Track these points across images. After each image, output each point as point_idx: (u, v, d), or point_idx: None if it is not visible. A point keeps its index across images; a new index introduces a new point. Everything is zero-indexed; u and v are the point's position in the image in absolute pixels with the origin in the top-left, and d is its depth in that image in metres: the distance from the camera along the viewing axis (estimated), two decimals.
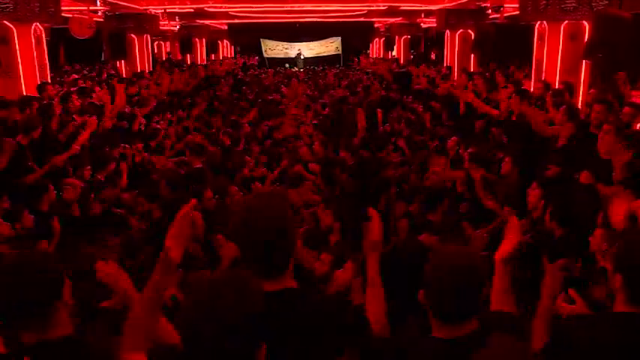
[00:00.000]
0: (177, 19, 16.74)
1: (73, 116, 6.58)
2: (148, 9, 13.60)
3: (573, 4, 7.59)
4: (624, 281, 1.86)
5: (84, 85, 9.66)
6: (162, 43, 20.66)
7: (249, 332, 1.39)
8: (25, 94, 7.43)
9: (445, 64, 14.30)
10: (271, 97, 13.69)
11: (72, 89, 8.85)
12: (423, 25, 18.24)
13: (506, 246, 2.04)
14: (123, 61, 13.71)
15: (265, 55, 29.67)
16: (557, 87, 7.57)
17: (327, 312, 1.78)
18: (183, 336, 1.43)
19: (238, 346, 1.37)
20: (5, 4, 6.99)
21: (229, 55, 25.87)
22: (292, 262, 1.80)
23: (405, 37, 19.95)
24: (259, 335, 1.42)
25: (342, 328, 1.76)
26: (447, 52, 14.52)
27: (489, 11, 11.71)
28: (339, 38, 29.20)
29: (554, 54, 8.21)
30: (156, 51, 19.06)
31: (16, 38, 7.48)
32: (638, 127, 5.41)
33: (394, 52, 21.36)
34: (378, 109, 9.09)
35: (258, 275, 1.73)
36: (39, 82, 7.70)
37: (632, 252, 1.87)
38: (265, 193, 2.00)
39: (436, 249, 1.90)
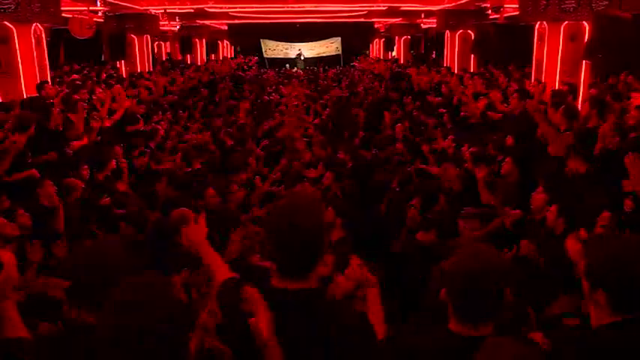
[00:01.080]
0: (177, 20, 16.74)
1: (68, 115, 6.56)
2: (148, 9, 13.61)
3: (573, 5, 7.60)
4: (608, 296, 1.75)
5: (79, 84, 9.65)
6: (162, 43, 20.67)
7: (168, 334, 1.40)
8: (25, 94, 7.43)
9: (445, 65, 14.31)
10: (270, 98, 13.69)
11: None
12: (423, 26, 18.23)
13: None
14: (123, 62, 13.72)
15: (265, 56, 29.66)
16: (557, 87, 7.58)
17: (339, 317, 1.79)
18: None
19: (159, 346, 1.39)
20: (6, 4, 7.00)
21: (229, 56, 25.90)
22: (318, 267, 1.81)
23: (405, 37, 19.98)
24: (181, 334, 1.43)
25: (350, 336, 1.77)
26: (446, 52, 14.53)
27: (489, 12, 11.71)
28: (339, 38, 29.21)
29: (554, 54, 8.22)
30: (156, 51, 19.06)
31: (16, 38, 7.49)
32: None
33: (394, 53, 21.38)
34: (386, 112, 9.08)
35: (282, 272, 1.77)
36: (37, 82, 7.70)
37: (609, 263, 1.75)
38: (305, 195, 2.03)
39: (464, 247, 1.88)
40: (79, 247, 2.01)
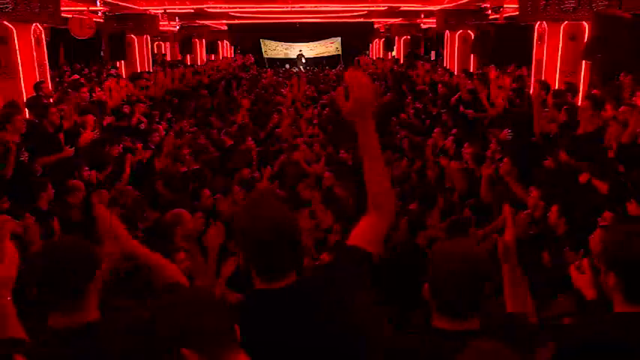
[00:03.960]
0: (177, 20, 16.74)
1: (72, 115, 6.57)
2: (147, 9, 13.61)
3: (573, 5, 7.59)
4: (618, 280, 1.80)
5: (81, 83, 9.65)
6: (162, 43, 20.67)
7: None
8: (25, 94, 7.42)
9: (445, 65, 14.30)
10: (270, 98, 13.67)
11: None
12: (423, 26, 18.23)
13: (508, 234, 2.08)
14: (123, 62, 13.72)
15: (265, 56, 29.64)
16: (557, 87, 7.57)
17: (326, 312, 1.77)
18: None
19: None
20: (5, 4, 6.99)
21: (229, 56, 25.89)
22: (297, 265, 1.79)
23: (405, 37, 19.97)
24: None
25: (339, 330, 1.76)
26: (446, 52, 14.53)
27: (489, 12, 11.71)
28: (339, 38, 29.18)
29: (554, 54, 8.21)
30: (156, 51, 19.05)
31: (15, 38, 7.47)
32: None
33: (394, 53, 21.37)
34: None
35: (260, 276, 1.74)
36: (35, 82, 7.69)
37: (623, 248, 1.80)
38: (266, 194, 2.01)
39: (440, 242, 1.88)
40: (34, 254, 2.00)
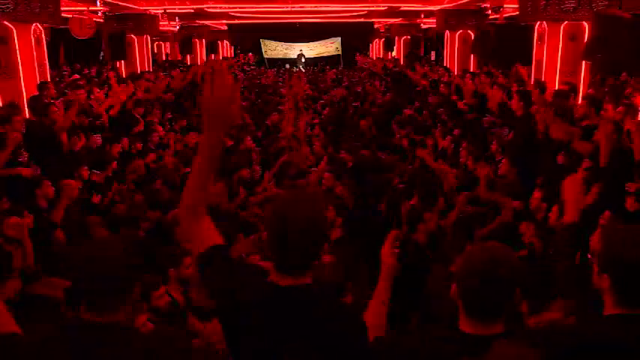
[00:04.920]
0: (177, 20, 16.75)
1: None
2: (147, 9, 13.61)
3: (573, 5, 7.59)
4: (612, 282, 1.77)
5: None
6: (162, 43, 20.67)
7: None
8: (25, 94, 7.42)
9: (444, 65, 14.31)
10: (270, 98, 13.69)
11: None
12: (423, 26, 18.23)
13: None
14: (123, 62, 13.71)
15: (265, 56, 29.65)
16: (557, 87, 7.57)
17: (334, 317, 1.78)
18: None
19: None
20: (5, 4, 6.98)
21: (229, 55, 25.89)
22: (313, 263, 1.80)
23: (405, 37, 19.97)
24: None
25: (343, 338, 1.76)
26: (446, 52, 14.54)
27: (489, 12, 11.71)
28: (339, 38, 29.19)
29: (554, 54, 8.21)
30: (156, 51, 19.05)
31: (15, 38, 7.47)
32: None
33: (394, 53, 21.37)
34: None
35: (279, 269, 1.76)
36: (38, 82, 7.69)
37: (618, 250, 1.76)
38: (306, 190, 2.00)
39: (476, 244, 1.85)
40: (79, 247, 2.00)
